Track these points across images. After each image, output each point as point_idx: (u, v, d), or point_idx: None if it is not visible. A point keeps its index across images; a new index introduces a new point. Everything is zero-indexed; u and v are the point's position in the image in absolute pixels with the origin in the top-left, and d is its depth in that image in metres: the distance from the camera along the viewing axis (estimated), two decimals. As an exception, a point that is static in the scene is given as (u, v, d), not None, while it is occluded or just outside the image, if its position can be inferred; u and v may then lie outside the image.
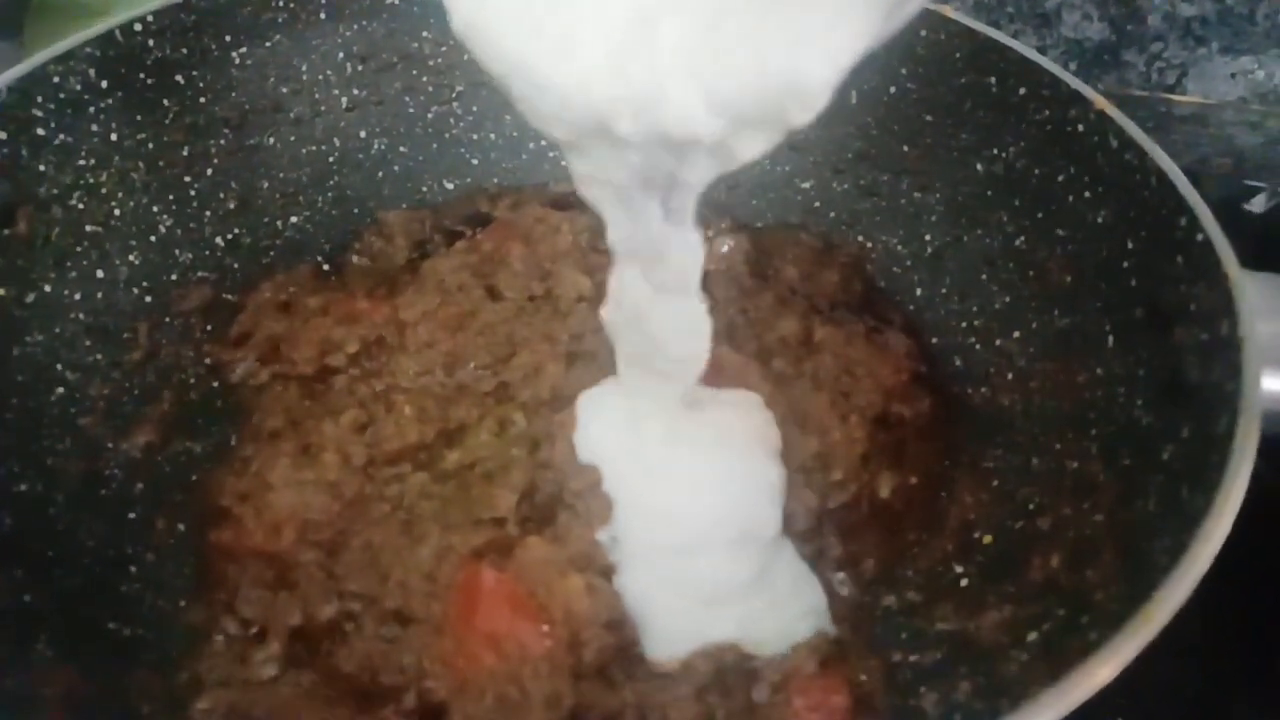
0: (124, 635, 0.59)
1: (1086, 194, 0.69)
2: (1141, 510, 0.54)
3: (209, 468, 0.70)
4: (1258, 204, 1.10)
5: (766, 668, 0.57)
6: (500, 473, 0.64)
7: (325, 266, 0.86)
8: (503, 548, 0.60)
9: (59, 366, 0.68)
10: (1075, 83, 0.69)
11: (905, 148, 0.84)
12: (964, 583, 0.63)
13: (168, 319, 0.77)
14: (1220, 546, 0.43)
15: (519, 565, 0.58)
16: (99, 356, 0.71)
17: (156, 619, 0.61)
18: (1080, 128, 0.69)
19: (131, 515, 0.67)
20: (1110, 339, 0.64)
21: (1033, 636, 0.54)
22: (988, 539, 0.65)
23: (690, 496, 0.61)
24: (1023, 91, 0.73)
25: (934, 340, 0.79)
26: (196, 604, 0.62)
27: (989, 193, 0.77)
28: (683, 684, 0.55)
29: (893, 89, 0.82)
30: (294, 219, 0.87)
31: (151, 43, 0.76)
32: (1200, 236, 0.58)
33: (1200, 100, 1.32)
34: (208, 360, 0.77)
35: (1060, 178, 0.71)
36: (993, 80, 0.75)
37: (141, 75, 0.76)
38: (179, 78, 0.78)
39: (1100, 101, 0.67)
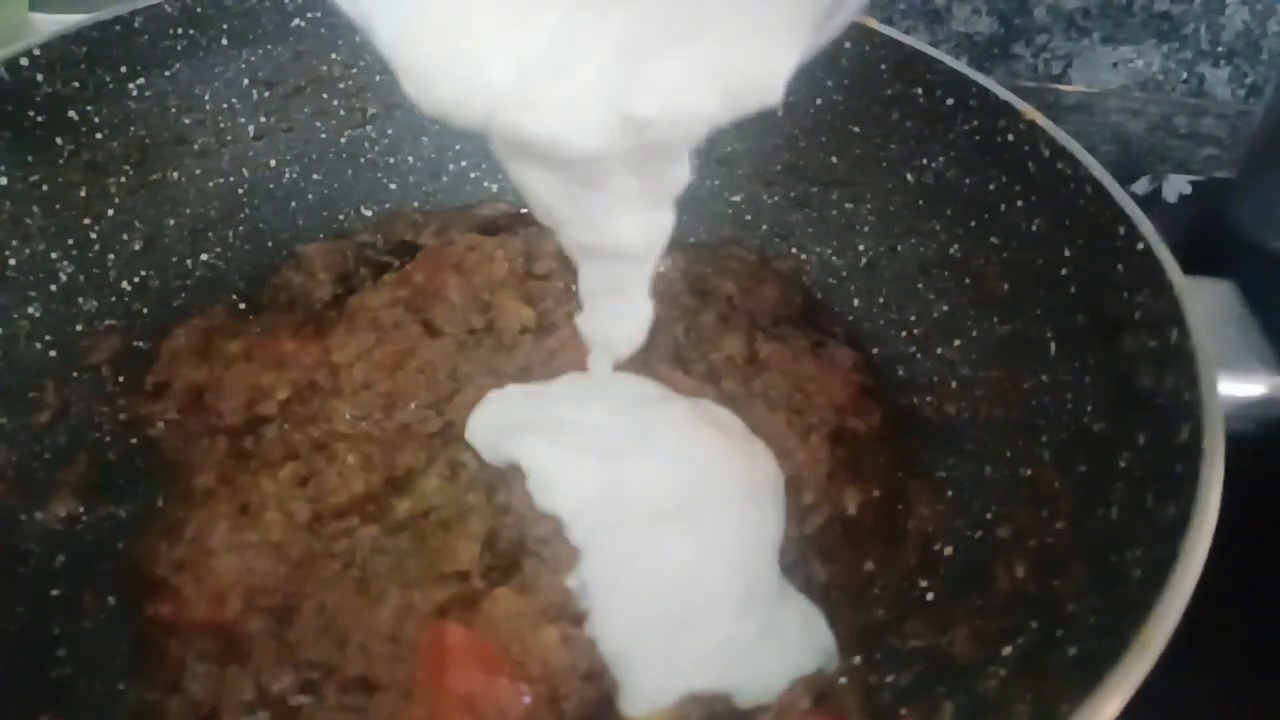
0: (61, 728, 0.55)
1: (1019, 203, 0.70)
2: (1104, 518, 0.55)
3: (137, 534, 0.65)
4: (1140, 187, 1.15)
5: (760, 710, 0.56)
6: (457, 521, 0.62)
7: (242, 306, 0.82)
8: (468, 602, 0.58)
9: (-40, 435, 0.63)
10: (1004, 93, 0.70)
11: (834, 159, 0.84)
12: (930, 597, 0.63)
13: (76, 373, 0.71)
14: (1204, 561, 0.43)
15: (487, 620, 0.56)
16: (4, 420, 0.66)
17: (95, 706, 0.57)
18: (1010, 137, 0.70)
19: (55, 592, 0.62)
20: (1053, 346, 0.66)
21: (1008, 651, 0.54)
22: (948, 550, 0.65)
23: (680, 574, 0.58)
24: (950, 102, 0.74)
25: (875, 351, 0.79)
26: (138, 685, 0.58)
27: (920, 202, 0.78)
28: (672, 733, 0.54)
29: (819, 100, 0.83)
30: (205, 257, 0.82)
31: (40, 77, 0.70)
32: (1141, 245, 0.59)
33: (1085, 89, 1.37)
34: (123, 415, 0.72)
35: (992, 186, 0.72)
36: (920, 91, 0.76)
37: (31, 113, 0.70)
38: (72, 113, 0.73)
39: (1030, 112, 0.69)
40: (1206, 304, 0.56)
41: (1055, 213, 0.67)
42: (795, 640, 0.58)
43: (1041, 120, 0.68)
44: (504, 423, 0.65)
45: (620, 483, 0.60)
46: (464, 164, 0.92)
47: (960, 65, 0.73)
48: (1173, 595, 0.43)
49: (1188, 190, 1.15)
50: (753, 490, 0.62)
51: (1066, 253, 0.65)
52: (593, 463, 0.60)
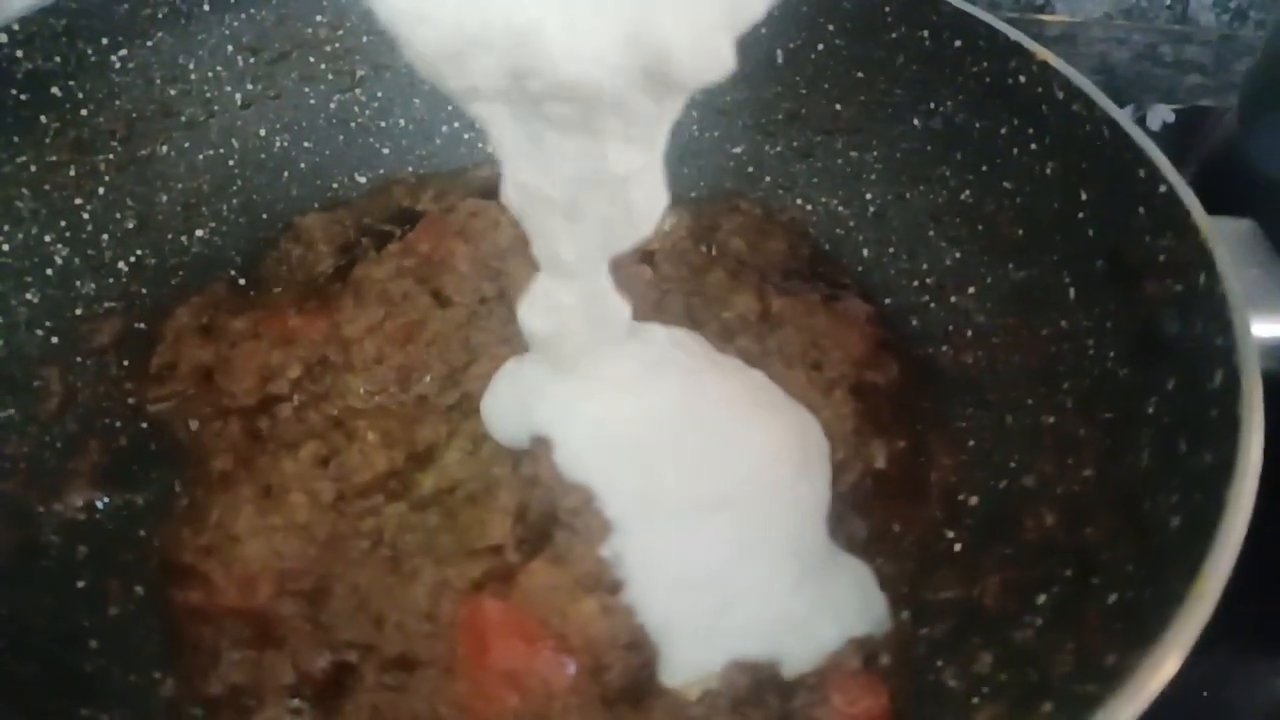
0: (100, 721, 0.55)
1: (1033, 146, 0.69)
2: (1134, 465, 0.55)
3: (157, 521, 0.64)
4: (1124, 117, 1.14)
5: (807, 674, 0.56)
6: (485, 495, 0.61)
7: (242, 282, 0.80)
8: (503, 576, 0.57)
9: (-34, 429, 0.62)
10: (1015, 34, 0.69)
11: (838, 106, 0.82)
12: (957, 548, 0.64)
13: (80, 359, 0.70)
14: (1251, 509, 0.43)
15: (524, 593, 0.56)
16: (10, 411, 0.65)
17: (132, 697, 0.56)
18: (1022, 79, 0.69)
19: (80, 584, 0.61)
20: (1071, 292, 0.65)
21: (1042, 600, 0.54)
22: (973, 501, 0.65)
23: (727, 563, 0.56)
24: (958, 44, 0.73)
25: (887, 302, 0.79)
26: (174, 674, 0.57)
27: (928, 148, 0.77)
28: (717, 699, 0.54)
29: (820, 46, 0.81)
30: (200, 233, 0.80)
31: (20, 54, 0.68)
32: (1163, 188, 0.58)
33: (1068, 19, 1.36)
34: (131, 400, 0.70)
35: (1003, 130, 0.71)
36: (926, 34, 0.74)
37: (13, 91, 0.68)
38: (55, 89, 0.70)
39: (1042, 53, 0.67)
40: (1229, 244, 0.56)
41: (1070, 156, 0.66)
42: (848, 607, 0.57)
43: (1055, 61, 0.66)
44: (522, 397, 0.63)
45: (662, 470, 0.58)
46: (456, 125, 0.90)
47: (968, 5, 0.71)
48: (1224, 543, 0.43)
49: (1171, 119, 1.15)
50: (804, 465, 0.61)
51: (1083, 196, 0.65)
52: (629, 440, 0.59)
